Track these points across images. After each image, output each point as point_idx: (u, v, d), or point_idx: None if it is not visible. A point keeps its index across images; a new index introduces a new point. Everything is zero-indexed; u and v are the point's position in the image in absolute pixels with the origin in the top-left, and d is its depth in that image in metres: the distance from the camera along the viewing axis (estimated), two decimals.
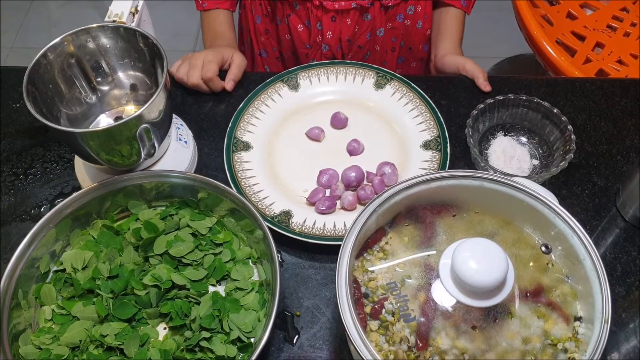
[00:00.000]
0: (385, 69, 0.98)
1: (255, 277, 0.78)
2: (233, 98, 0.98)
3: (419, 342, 0.64)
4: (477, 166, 0.87)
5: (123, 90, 0.87)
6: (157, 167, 0.84)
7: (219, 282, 0.77)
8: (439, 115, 0.92)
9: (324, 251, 0.82)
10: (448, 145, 0.89)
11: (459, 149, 0.92)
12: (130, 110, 0.87)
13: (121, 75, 0.85)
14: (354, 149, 0.91)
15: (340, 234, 0.81)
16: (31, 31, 2.24)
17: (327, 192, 0.87)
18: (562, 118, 0.87)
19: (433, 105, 0.93)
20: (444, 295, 0.65)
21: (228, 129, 0.91)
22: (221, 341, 0.71)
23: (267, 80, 0.97)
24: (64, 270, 0.77)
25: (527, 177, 0.83)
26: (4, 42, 2.19)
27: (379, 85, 0.97)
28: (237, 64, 0.99)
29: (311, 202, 0.85)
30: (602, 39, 1.36)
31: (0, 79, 1.01)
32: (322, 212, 0.84)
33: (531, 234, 0.73)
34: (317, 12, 1.02)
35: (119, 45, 0.82)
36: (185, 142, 0.88)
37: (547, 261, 0.71)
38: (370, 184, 0.87)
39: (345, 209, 0.85)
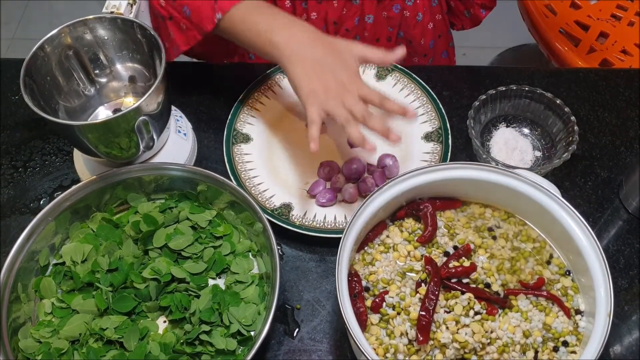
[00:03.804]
0: None
1: (255, 270, 0.77)
2: (233, 89, 0.97)
3: (419, 336, 0.64)
4: (478, 158, 0.86)
5: (121, 82, 0.86)
6: (156, 160, 0.83)
7: (218, 275, 0.77)
8: (441, 106, 0.91)
9: (324, 244, 0.82)
10: (449, 136, 0.88)
11: (460, 140, 0.91)
12: (129, 102, 0.87)
13: (119, 67, 0.85)
14: None
15: (340, 226, 0.81)
16: (32, 23, 2.23)
17: (328, 185, 0.86)
18: (565, 109, 0.86)
19: (434, 96, 0.92)
20: None
21: (228, 121, 0.91)
22: (221, 334, 0.71)
23: (267, 72, 0.96)
24: (63, 263, 0.76)
25: (530, 169, 0.82)
26: (6, 34, 2.18)
27: (380, 76, 0.96)
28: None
29: (312, 194, 0.84)
30: (606, 29, 1.35)
31: None
32: (322, 205, 0.83)
33: (533, 227, 0.72)
34: None
35: (116, 37, 0.81)
36: (185, 134, 0.88)
37: (549, 254, 0.71)
38: (371, 176, 0.86)
39: (346, 202, 0.84)
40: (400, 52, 0.77)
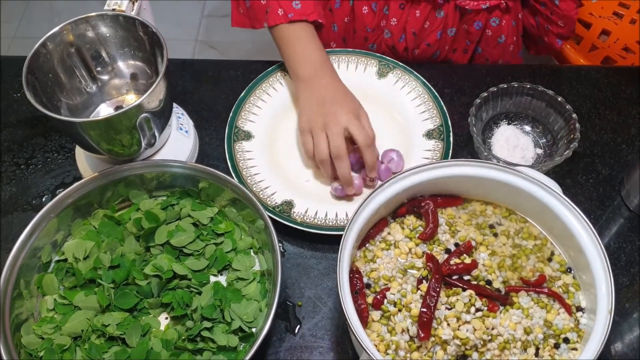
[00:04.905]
0: (388, 57, 0.97)
1: (257, 267, 0.78)
2: (234, 87, 0.97)
3: (420, 333, 0.64)
4: (480, 155, 0.86)
5: (123, 80, 0.86)
6: (157, 157, 0.84)
7: (220, 272, 0.77)
8: (442, 103, 0.91)
9: (325, 241, 0.82)
10: (451, 134, 0.88)
11: (461, 138, 0.91)
12: (131, 99, 0.87)
13: (121, 64, 0.85)
14: None
15: (342, 224, 0.81)
16: (34, 21, 2.23)
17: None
18: (567, 106, 0.86)
19: (436, 93, 0.92)
20: None
21: (229, 118, 0.91)
22: (222, 331, 0.71)
23: (269, 69, 0.96)
24: (65, 260, 0.77)
25: (531, 167, 0.82)
26: (7, 32, 2.19)
27: (381, 74, 0.96)
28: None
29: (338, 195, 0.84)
30: (608, 26, 1.34)
31: (0, 68, 1.01)
32: (339, 196, 0.84)
33: (534, 224, 0.72)
34: None
35: (118, 34, 0.81)
36: (186, 131, 0.88)
37: (551, 251, 0.71)
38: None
39: (355, 195, 0.84)
40: (373, 175, 0.84)
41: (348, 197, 0.84)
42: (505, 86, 0.88)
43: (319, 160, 0.83)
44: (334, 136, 0.81)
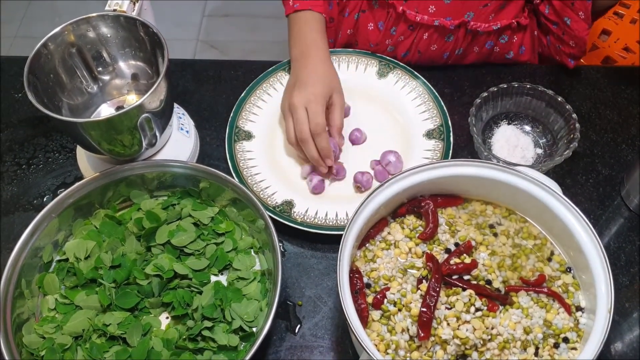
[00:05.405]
0: (388, 57, 0.97)
1: (257, 267, 0.78)
2: (235, 87, 0.97)
3: (420, 332, 0.64)
4: (480, 155, 0.87)
5: (124, 80, 0.86)
6: (158, 157, 0.84)
7: (221, 271, 0.78)
8: (442, 103, 0.91)
9: (326, 241, 0.82)
10: (451, 134, 0.88)
11: (462, 138, 0.91)
12: (132, 99, 0.87)
13: (122, 64, 0.85)
14: (356, 138, 0.90)
15: (342, 223, 0.81)
16: (35, 21, 2.23)
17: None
18: (567, 106, 0.86)
19: (436, 93, 0.92)
20: None
21: (230, 118, 0.91)
22: (223, 330, 0.71)
23: (269, 69, 0.96)
24: (66, 259, 0.77)
25: (531, 166, 0.82)
26: (8, 32, 2.19)
27: (381, 74, 0.96)
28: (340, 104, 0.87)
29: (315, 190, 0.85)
30: (609, 26, 1.34)
31: (1, 68, 1.01)
32: (315, 190, 0.84)
33: (534, 224, 0.73)
34: (396, 19, 0.97)
35: (119, 35, 0.82)
36: (187, 131, 0.88)
37: (550, 251, 0.71)
38: (372, 171, 0.86)
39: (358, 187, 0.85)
40: (329, 163, 0.84)
41: (330, 177, 0.86)
42: (505, 86, 0.89)
43: (290, 144, 0.85)
44: (298, 119, 0.82)
